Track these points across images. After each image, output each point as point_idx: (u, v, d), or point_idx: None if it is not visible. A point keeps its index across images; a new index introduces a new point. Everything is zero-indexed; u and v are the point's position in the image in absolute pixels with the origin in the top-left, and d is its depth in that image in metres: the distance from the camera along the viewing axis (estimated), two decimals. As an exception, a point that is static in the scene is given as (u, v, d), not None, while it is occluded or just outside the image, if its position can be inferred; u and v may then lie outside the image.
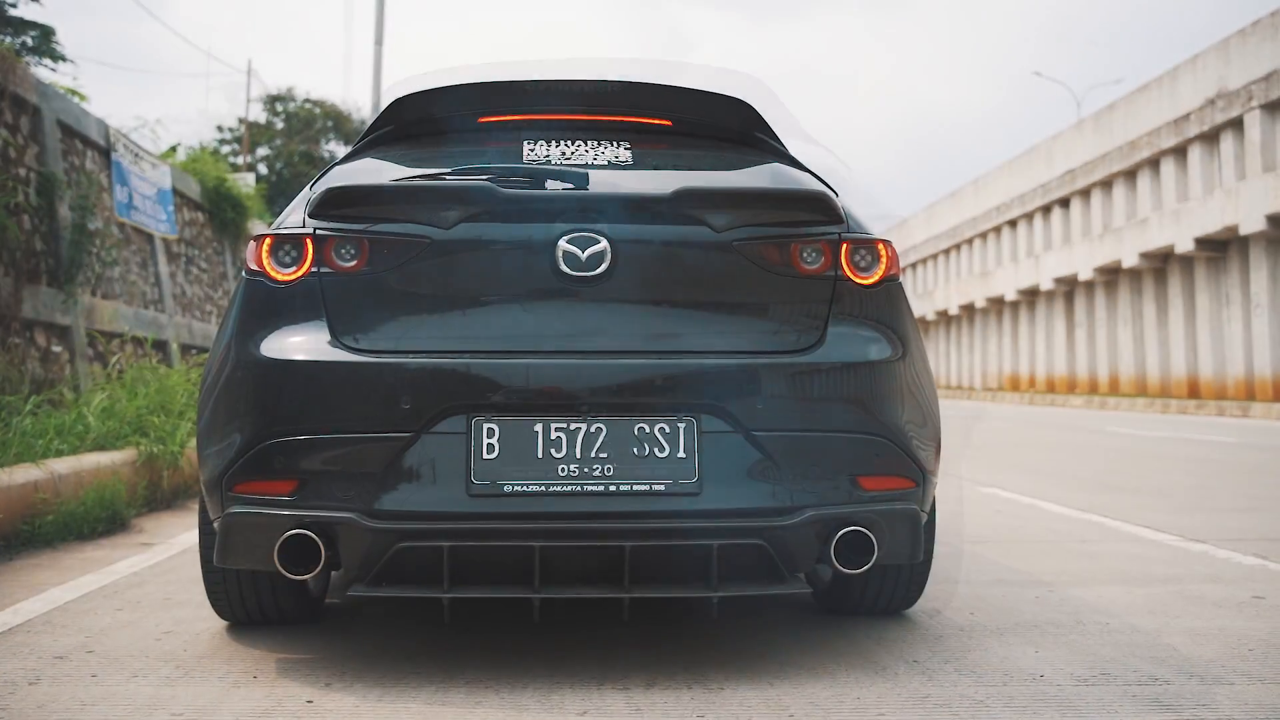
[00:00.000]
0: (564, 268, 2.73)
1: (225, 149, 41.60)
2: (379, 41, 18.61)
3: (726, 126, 3.51)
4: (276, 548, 2.62)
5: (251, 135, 41.24)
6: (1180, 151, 29.69)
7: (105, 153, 12.12)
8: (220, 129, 43.24)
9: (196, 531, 4.08)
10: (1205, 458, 10.41)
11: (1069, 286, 36.95)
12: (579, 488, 2.61)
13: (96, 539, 5.18)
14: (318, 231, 2.79)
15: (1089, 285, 35.58)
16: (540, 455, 2.62)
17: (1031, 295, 40.05)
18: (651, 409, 2.66)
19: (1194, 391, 28.71)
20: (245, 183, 19.82)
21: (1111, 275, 33.82)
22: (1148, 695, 2.65)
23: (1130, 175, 32.58)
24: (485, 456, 2.61)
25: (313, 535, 2.61)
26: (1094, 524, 5.73)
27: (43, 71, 12.79)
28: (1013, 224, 41.47)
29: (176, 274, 14.61)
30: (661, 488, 2.62)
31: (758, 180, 3.19)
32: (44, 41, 13.81)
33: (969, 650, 3.07)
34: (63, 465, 5.45)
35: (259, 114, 43.68)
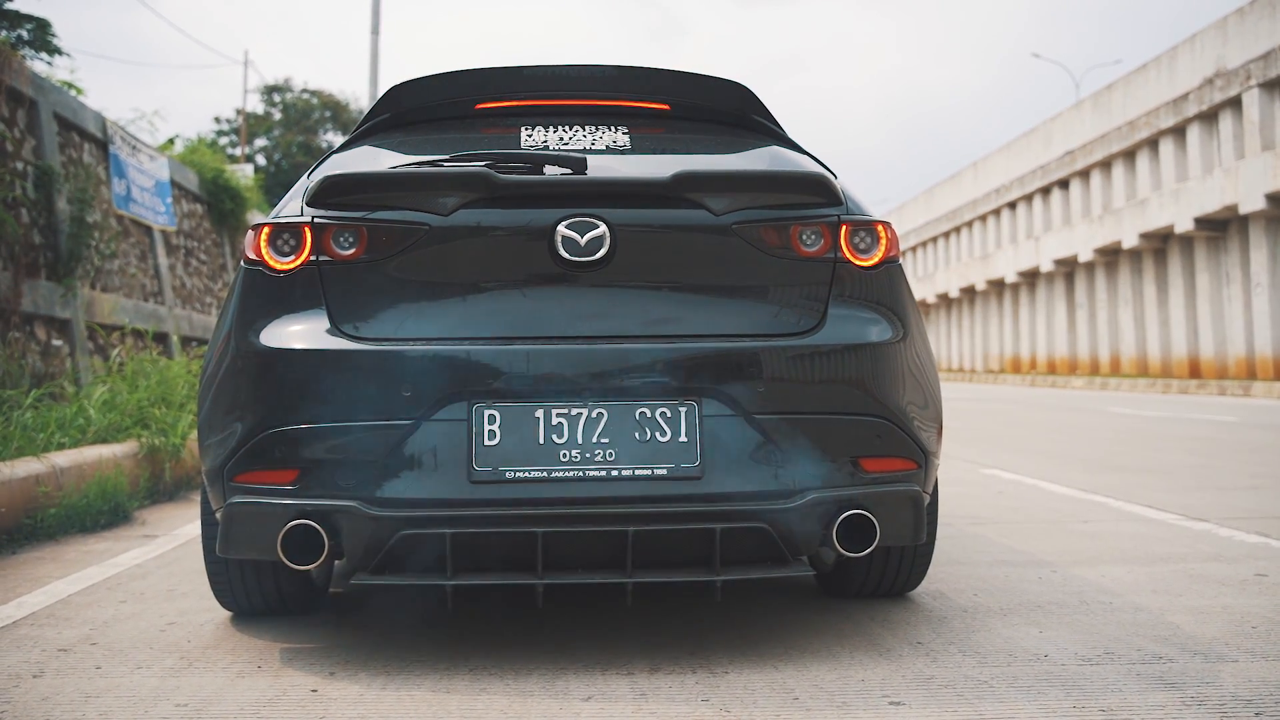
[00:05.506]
0: (563, 253, 2.72)
1: (223, 140, 41.54)
2: (375, 31, 18.57)
3: (724, 110, 3.50)
4: (279, 538, 2.62)
5: (249, 126, 41.18)
6: (1179, 131, 29.61)
7: (103, 145, 12.10)
8: (218, 120, 43.18)
9: (199, 523, 4.08)
10: (1207, 437, 10.41)
11: (1069, 268, 36.89)
12: (581, 473, 2.61)
13: (99, 531, 5.18)
14: (316, 220, 2.78)
15: (1089, 266, 35.53)
16: (542, 441, 2.62)
17: (1032, 277, 39.98)
18: (652, 393, 2.65)
19: (1195, 371, 28.70)
20: (243, 174, 19.82)
21: (1111, 256, 33.76)
22: (1152, 674, 2.65)
23: (1129, 156, 32.49)
24: (487, 443, 2.61)
25: (315, 524, 2.60)
26: (1096, 504, 5.73)
27: (39, 65, 12.77)
28: (1012, 206, 41.39)
29: (176, 266, 14.60)
30: (663, 472, 2.62)
31: (756, 163, 3.18)
32: (40, 34, 13.78)
33: (973, 631, 3.08)
34: (64, 458, 5.45)
35: (256, 105, 43.62)
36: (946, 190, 50.90)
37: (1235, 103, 26.70)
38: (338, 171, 2.85)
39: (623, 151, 3.15)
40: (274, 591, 3.21)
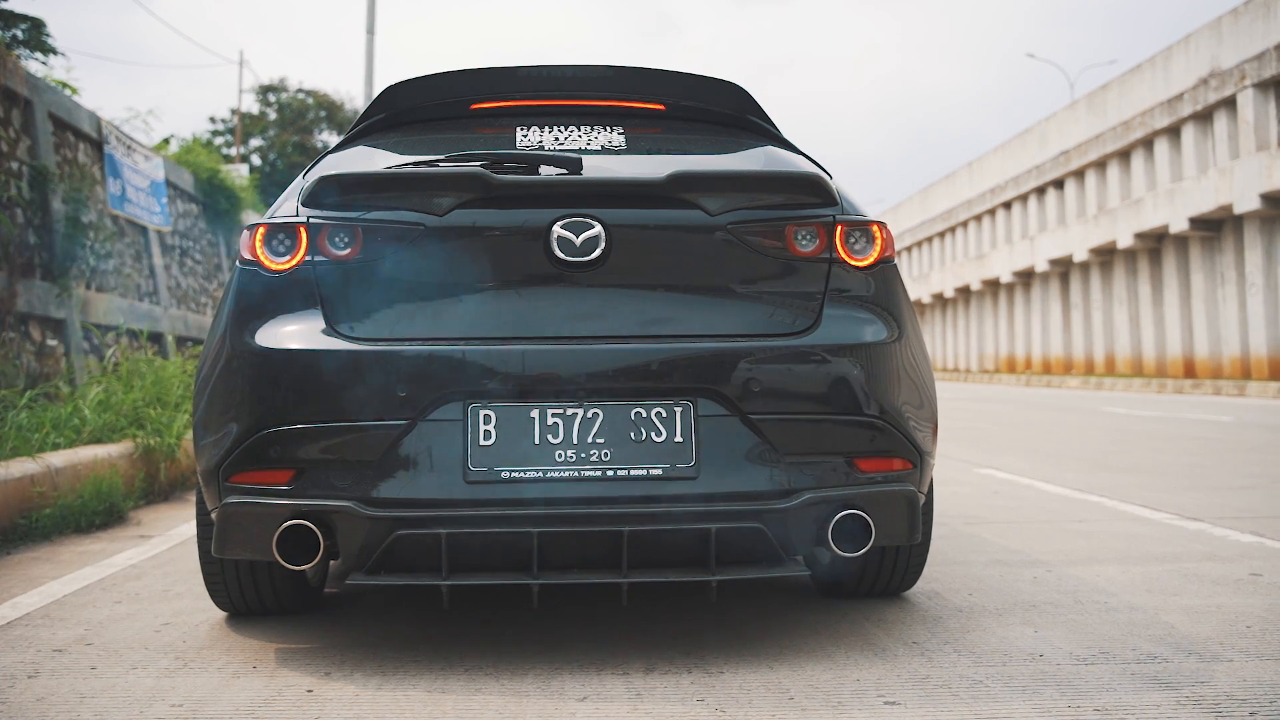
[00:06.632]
0: (558, 253, 2.73)
1: (218, 140, 41.49)
2: (371, 30, 18.55)
3: (719, 110, 3.50)
4: (275, 538, 2.62)
5: (244, 126, 41.13)
6: (1174, 131, 29.65)
7: (98, 145, 12.08)
8: (213, 120, 43.12)
9: (194, 523, 4.09)
10: (1202, 437, 10.43)
11: (1064, 268, 36.93)
12: (576, 473, 2.61)
13: (94, 532, 5.18)
14: (311, 220, 2.78)
15: (1084, 266, 35.57)
16: (537, 441, 2.62)
17: (1027, 277, 40.04)
18: (648, 393, 2.65)
19: (1190, 371, 28.74)
20: (239, 174, 19.81)
21: (1107, 256, 33.81)
22: (1147, 673, 2.65)
23: (1124, 156, 32.54)
24: (482, 443, 2.61)
25: (310, 524, 2.60)
26: (1091, 504, 5.74)
27: (34, 65, 12.74)
28: (1007, 206, 41.43)
29: (171, 266, 14.59)
30: (659, 472, 2.62)
31: (752, 163, 3.18)
32: (35, 34, 13.75)
33: (968, 631, 3.08)
34: (59, 459, 5.44)
35: (251, 105, 43.58)
36: (942, 190, 50.94)
37: (1230, 103, 26.75)
38: (333, 171, 2.85)
39: (618, 152, 3.16)
40: (269, 592, 3.21)
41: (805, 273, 2.83)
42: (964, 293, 47.13)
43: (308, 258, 2.77)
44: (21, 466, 5.10)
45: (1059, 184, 37.03)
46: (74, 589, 3.83)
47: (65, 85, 11.93)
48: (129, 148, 12.85)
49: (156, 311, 13.24)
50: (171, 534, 5.09)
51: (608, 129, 3.28)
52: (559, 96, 3.46)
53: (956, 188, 48.54)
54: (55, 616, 3.42)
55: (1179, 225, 28.16)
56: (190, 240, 15.81)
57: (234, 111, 41.31)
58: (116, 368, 8.08)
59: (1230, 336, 26.92)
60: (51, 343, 10.05)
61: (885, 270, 2.91)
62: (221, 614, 3.37)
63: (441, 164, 2.91)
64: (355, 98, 44.98)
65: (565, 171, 2.86)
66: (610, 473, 2.61)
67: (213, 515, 2.80)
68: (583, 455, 2.62)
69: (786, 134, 3.50)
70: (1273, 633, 3.03)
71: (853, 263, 2.87)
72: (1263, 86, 25.41)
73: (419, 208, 2.75)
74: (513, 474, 2.60)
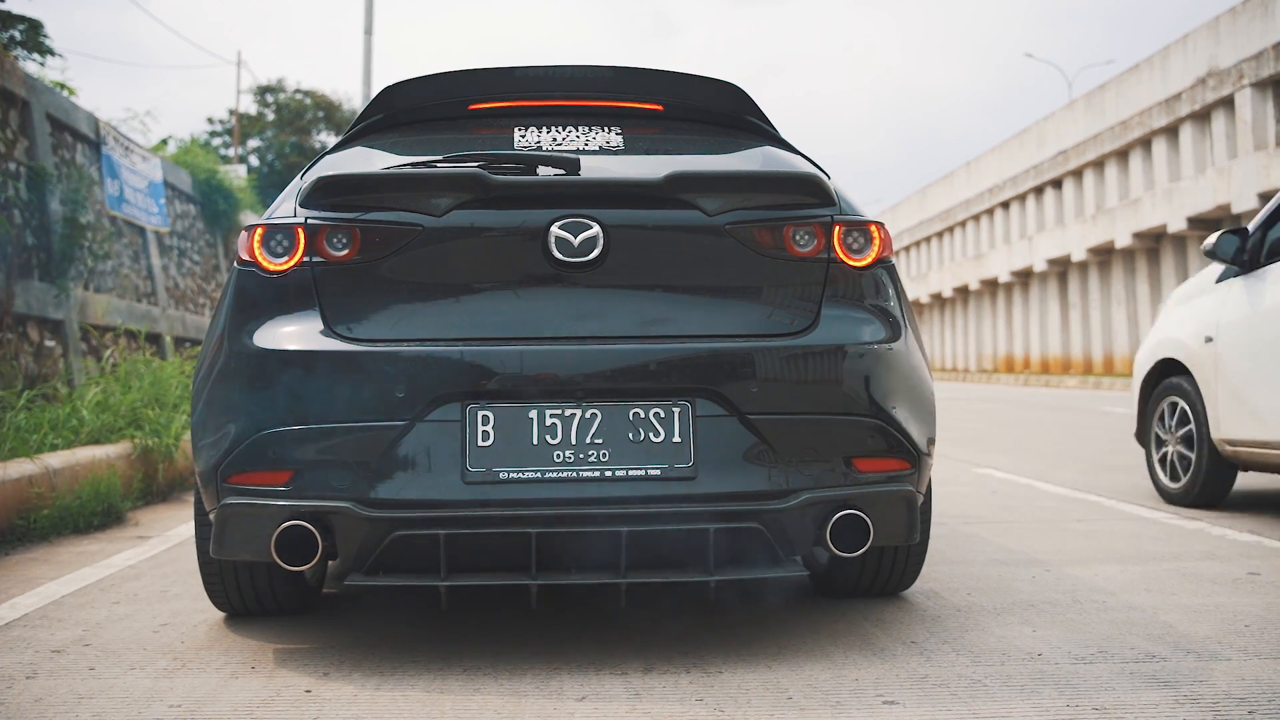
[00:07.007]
0: (556, 254, 2.73)
1: (216, 141, 41.48)
2: (369, 31, 18.54)
3: (717, 110, 3.50)
4: (273, 539, 2.62)
5: (242, 127, 41.12)
6: (1172, 131, 29.66)
7: (95, 146, 12.08)
8: (211, 120, 43.12)
9: (192, 523, 4.09)
10: (1200, 436, 10.41)
11: (1062, 267, 36.93)
12: (575, 474, 2.61)
13: (92, 533, 5.18)
14: (309, 221, 2.78)
15: (1082, 266, 35.57)
16: (535, 442, 2.62)
17: (1025, 277, 40.04)
18: (646, 394, 2.65)
19: (1188, 371, 28.71)
20: (236, 175, 19.81)
21: (1105, 256, 33.81)
22: (1145, 672, 2.65)
23: (1122, 155, 32.54)
24: (480, 444, 2.61)
25: (309, 525, 2.60)
26: (1090, 503, 5.74)
27: (31, 65, 12.74)
28: (1005, 205, 41.43)
29: (169, 267, 14.59)
30: (657, 473, 2.62)
31: (749, 163, 3.18)
32: (32, 35, 13.75)
33: (966, 630, 3.08)
34: (57, 459, 5.44)
35: (249, 105, 43.56)
36: (940, 190, 50.95)
37: (1228, 102, 26.75)
38: (331, 172, 2.85)
39: (616, 152, 3.16)
40: (267, 592, 3.21)
41: (803, 273, 2.84)
42: (962, 292, 47.14)
43: (305, 258, 2.77)
44: (19, 467, 5.10)
45: (1057, 184, 37.04)
46: (72, 590, 3.83)
47: (63, 86, 11.92)
48: (127, 148, 12.84)
49: (154, 312, 13.24)
50: (170, 535, 5.09)
51: (606, 129, 3.29)
52: (557, 97, 3.46)
53: (955, 188, 48.53)
54: (53, 617, 3.42)
55: (1177, 225, 28.17)
56: (188, 241, 15.81)
57: (232, 112, 41.30)
58: (115, 368, 8.08)
59: (1228, 336, 26.89)
60: (49, 343, 10.05)
61: (883, 270, 2.92)
62: (220, 614, 3.37)
63: (439, 164, 2.91)
64: (353, 98, 44.94)
65: (563, 172, 2.86)
66: (608, 473, 2.61)
67: (211, 516, 2.80)
68: (581, 456, 2.62)
69: (784, 134, 3.50)
70: (1271, 631, 3.03)
71: (851, 263, 2.87)
72: (1261, 86, 25.42)
73: (417, 208, 2.75)
74: (511, 475, 2.60)
